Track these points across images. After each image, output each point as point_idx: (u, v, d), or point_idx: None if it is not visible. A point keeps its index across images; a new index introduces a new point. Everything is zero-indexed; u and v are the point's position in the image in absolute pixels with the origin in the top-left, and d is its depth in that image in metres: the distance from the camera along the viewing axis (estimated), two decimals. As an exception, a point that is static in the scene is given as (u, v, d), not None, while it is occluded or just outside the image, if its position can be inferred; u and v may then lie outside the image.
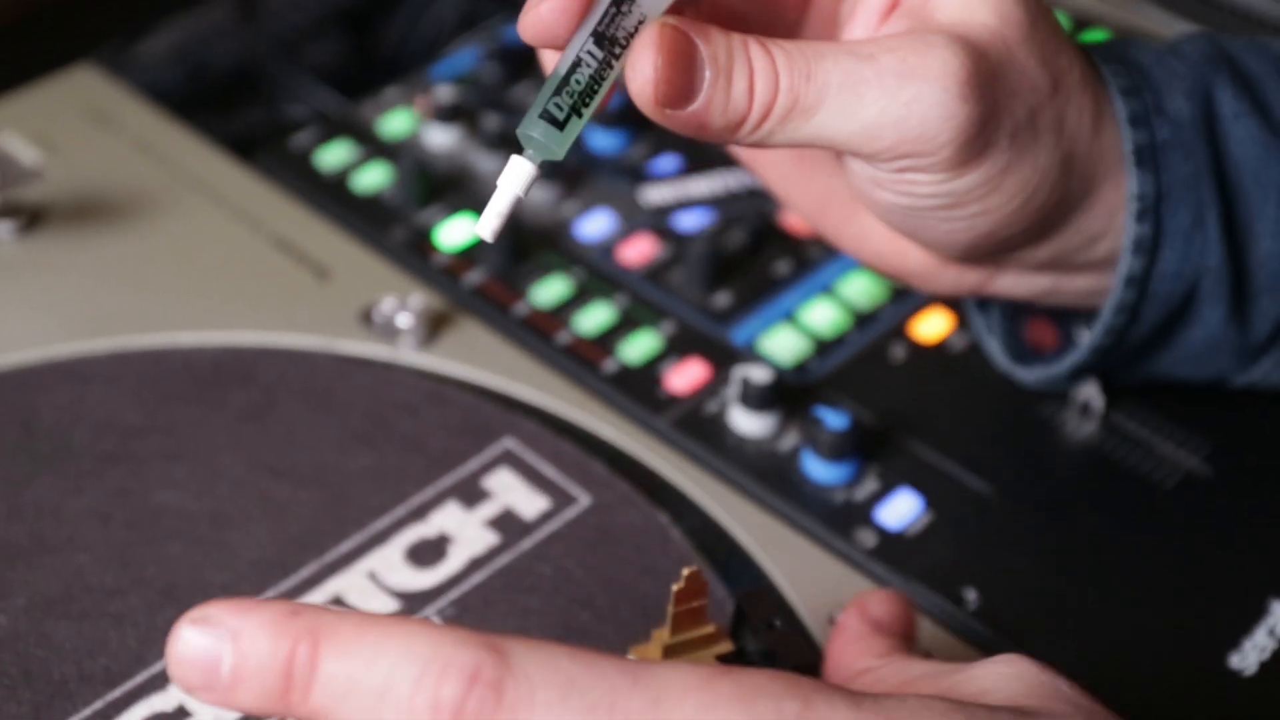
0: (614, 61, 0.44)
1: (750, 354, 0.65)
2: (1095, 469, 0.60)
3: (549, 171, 0.71)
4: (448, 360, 0.63)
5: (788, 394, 0.62)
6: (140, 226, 0.69)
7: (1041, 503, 0.59)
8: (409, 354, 0.63)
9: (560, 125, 0.43)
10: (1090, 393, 0.61)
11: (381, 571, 0.54)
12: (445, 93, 0.75)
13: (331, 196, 0.71)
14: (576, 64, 0.43)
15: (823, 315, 0.66)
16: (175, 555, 0.54)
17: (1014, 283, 0.56)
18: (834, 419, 0.59)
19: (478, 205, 0.71)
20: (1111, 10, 0.85)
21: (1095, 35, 0.82)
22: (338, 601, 0.53)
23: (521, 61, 0.79)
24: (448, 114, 0.74)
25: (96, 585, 0.53)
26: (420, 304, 0.64)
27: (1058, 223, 0.53)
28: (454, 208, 0.71)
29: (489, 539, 0.55)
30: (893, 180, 0.50)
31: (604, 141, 0.74)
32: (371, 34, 0.91)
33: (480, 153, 0.73)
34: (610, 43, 0.44)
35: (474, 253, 0.69)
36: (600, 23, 0.44)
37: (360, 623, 0.33)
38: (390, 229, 0.70)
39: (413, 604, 0.53)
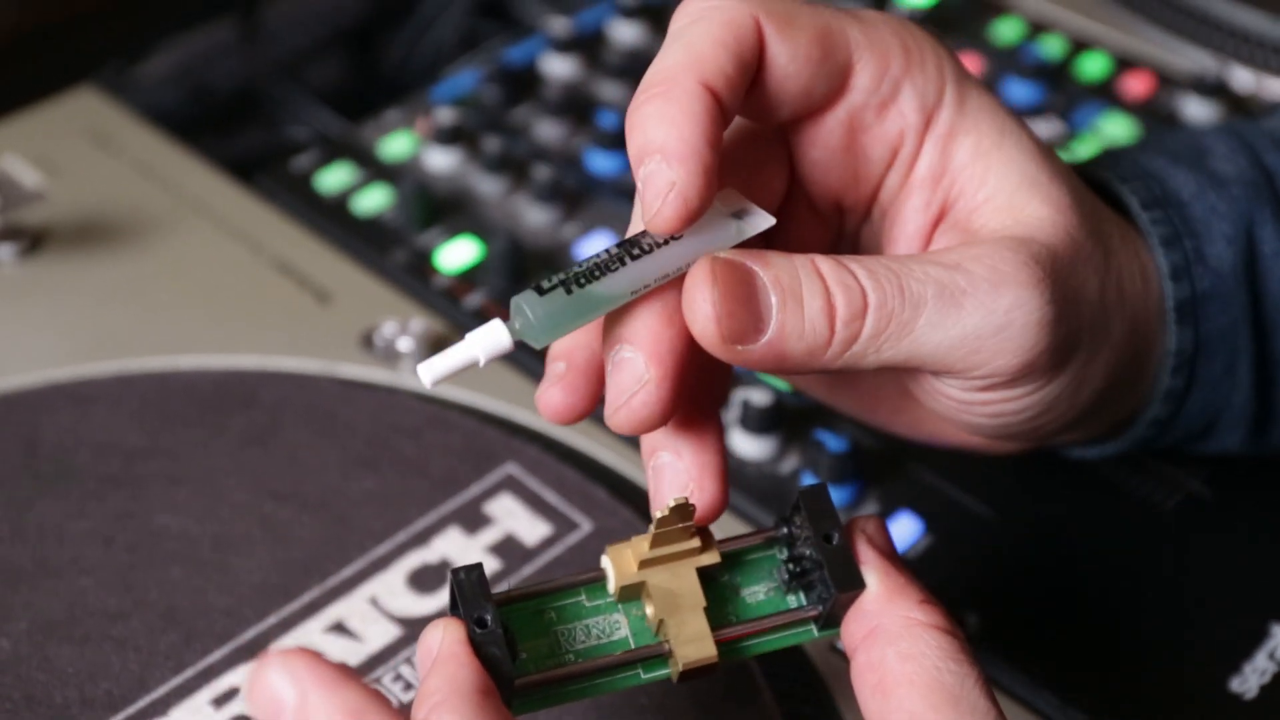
0: (627, 259, 0.41)
1: (750, 377, 0.65)
2: (1095, 491, 0.60)
3: (549, 194, 0.71)
4: (448, 384, 0.63)
5: (788, 417, 0.62)
6: (142, 249, 0.69)
7: (1041, 525, 0.59)
8: (410, 378, 0.63)
9: (541, 292, 0.40)
10: None
11: (383, 597, 0.54)
12: (446, 115, 0.75)
13: (332, 219, 0.71)
14: (594, 256, 0.41)
15: (823, 338, 0.66)
16: (177, 579, 0.54)
17: (1080, 437, 0.54)
18: (834, 442, 0.59)
19: (478, 228, 0.71)
20: (1109, 33, 0.85)
21: (1093, 59, 0.82)
22: (339, 627, 0.53)
23: (522, 83, 0.79)
24: (448, 136, 0.74)
25: (99, 608, 0.53)
26: (421, 327, 0.64)
27: (1130, 385, 0.51)
28: (455, 230, 0.71)
29: (491, 564, 0.55)
30: (984, 400, 0.46)
31: (604, 164, 0.74)
32: (372, 55, 0.92)
33: (481, 175, 0.73)
34: (630, 245, 0.42)
35: (475, 275, 0.69)
36: (640, 233, 0.42)
37: None
38: (391, 251, 0.70)
39: (414, 629, 0.53)
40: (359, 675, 0.37)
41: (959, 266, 0.43)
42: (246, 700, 0.37)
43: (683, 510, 0.41)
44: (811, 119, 0.46)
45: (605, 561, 0.42)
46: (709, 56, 0.42)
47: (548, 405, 0.45)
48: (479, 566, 0.40)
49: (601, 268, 0.41)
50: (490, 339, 0.41)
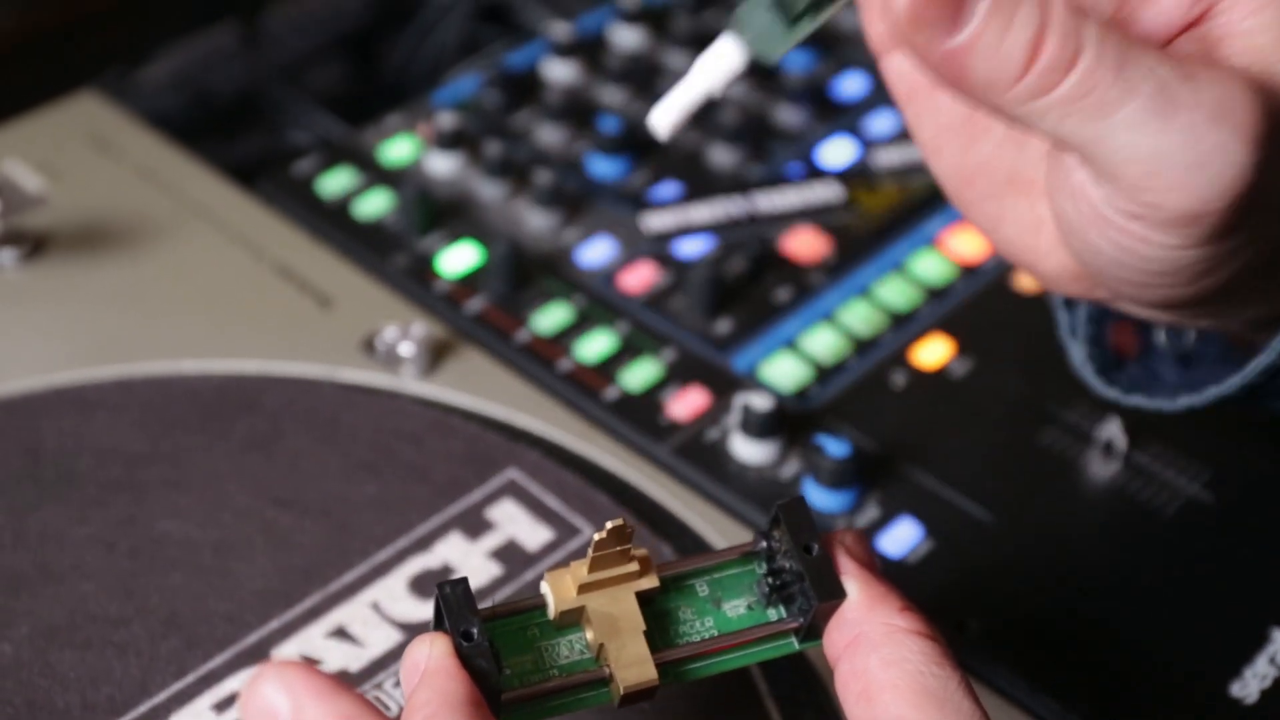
0: None
1: (751, 381, 0.65)
2: (1095, 496, 0.60)
3: (550, 199, 0.71)
4: (450, 388, 0.63)
5: (789, 421, 0.62)
6: (143, 253, 0.69)
7: (1042, 530, 0.59)
8: (411, 382, 0.63)
9: (786, 13, 0.37)
10: (1113, 431, 0.61)
11: (385, 602, 0.54)
12: (447, 119, 0.75)
13: (333, 223, 0.71)
14: None
15: (823, 342, 0.66)
16: (179, 584, 0.54)
17: (1140, 311, 0.48)
18: (835, 447, 0.59)
19: (480, 232, 0.71)
20: None
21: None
22: (341, 632, 0.53)
23: (523, 88, 0.79)
24: (450, 141, 0.74)
25: (100, 614, 0.53)
26: (422, 332, 0.64)
27: (1228, 296, 0.45)
28: (456, 234, 0.71)
29: (492, 570, 0.55)
30: (1120, 227, 0.42)
31: (605, 168, 0.75)
32: (373, 60, 0.92)
33: (482, 179, 0.73)
34: None
35: (475, 280, 0.69)
36: None
37: None
38: (392, 256, 0.70)
39: (416, 635, 0.52)
40: (353, 686, 0.37)
41: (1193, 79, 0.40)
42: (242, 710, 0.37)
43: (619, 533, 0.41)
44: None
45: (544, 587, 0.41)
46: None
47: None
48: (464, 580, 0.40)
49: None
50: (722, 63, 0.38)
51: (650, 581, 0.42)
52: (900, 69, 0.49)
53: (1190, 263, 0.42)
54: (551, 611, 0.41)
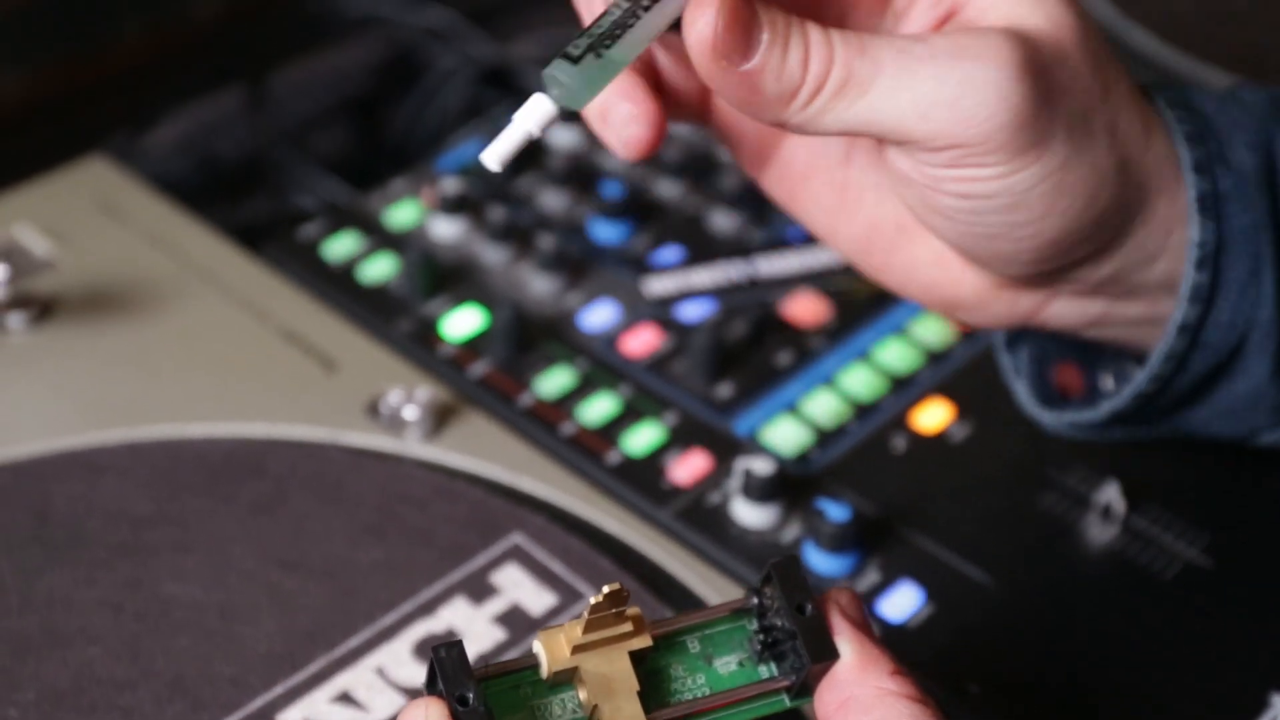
0: (640, 12, 0.44)
1: (752, 445, 0.65)
2: (1094, 559, 0.61)
3: (553, 263, 0.72)
4: (454, 452, 0.63)
5: (790, 485, 0.62)
6: (151, 317, 0.69)
7: (1041, 593, 0.59)
8: (416, 446, 0.63)
9: (574, 60, 0.43)
10: (1111, 495, 0.61)
11: (390, 667, 0.54)
12: (450, 184, 0.76)
13: (338, 287, 0.72)
14: (605, 13, 0.44)
15: (824, 406, 0.67)
16: (185, 647, 0.54)
17: (1067, 308, 0.54)
18: (835, 511, 0.60)
19: (483, 296, 0.71)
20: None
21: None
22: (345, 697, 0.53)
23: (525, 154, 0.80)
24: (453, 205, 0.75)
25: (106, 678, 0.53)
26: (426, 396, 0.64)
27: (1116, 235, 0.51)
28: (459, 299, 0.71)
29: (496, 635, 0.55)
30: (951, 177, 0.48)
31: (607, 232, 0.75)
32: (378, 124, 0.92)
33: (485, 244, 0.74)
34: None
35: (479, 344, 0.69)
36: None
37: None
38: (396, 320, 0.70)
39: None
40: None
41: (924, 39, 0.47)
42: None
43: (616, 596, 0.41)
44: None
45: (537, 646, 0.41)
46: None
47: (634, 142, 0.50)
48: (459, 643, 0.40)
49: (621, 25, 0.43)
50: (537, 111, 0.44)
51: (643, 641, 0.42)
52: (773, 179, 0.56)
53: (1027, 186, 0.48)
54: (545, 671, 0.41)
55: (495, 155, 0.44)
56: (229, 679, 0.53)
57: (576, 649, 0.41)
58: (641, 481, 0.63)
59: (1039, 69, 0.47)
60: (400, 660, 0.54)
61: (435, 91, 0.90)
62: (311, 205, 0.82)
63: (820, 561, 0.59)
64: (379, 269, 0.73)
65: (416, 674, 0.54)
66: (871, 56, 0.46)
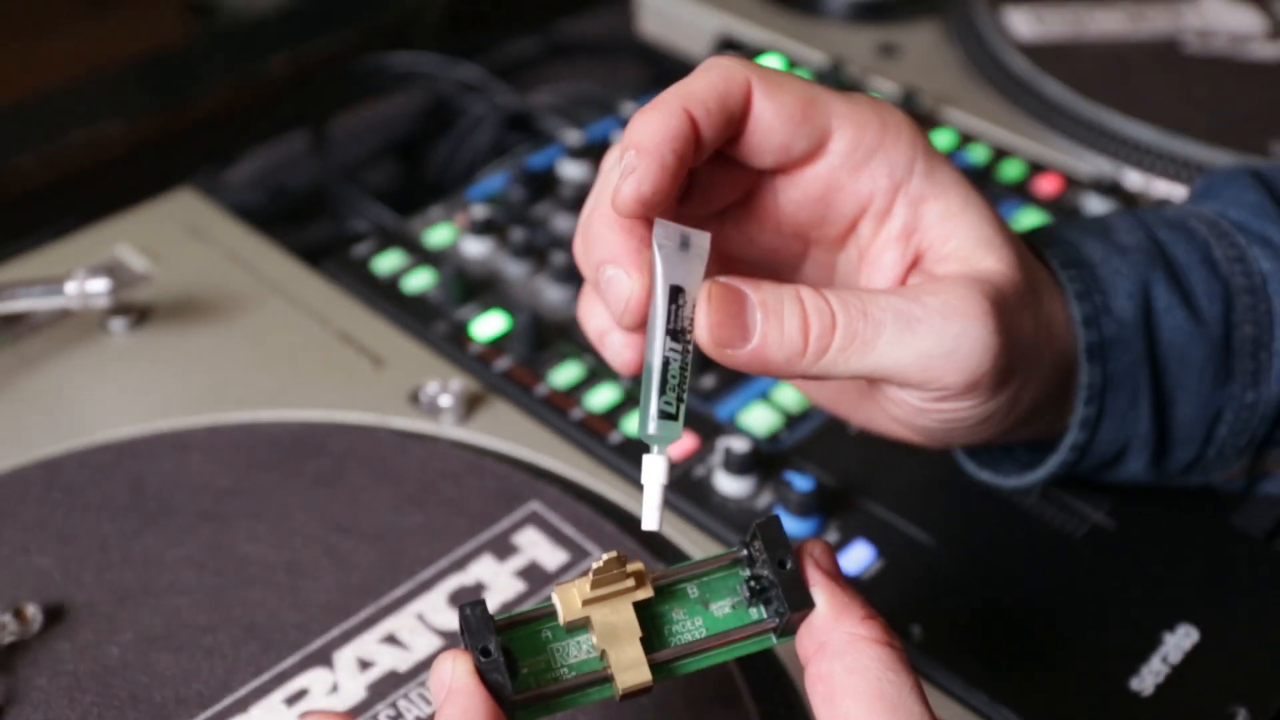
0: (689, 348, 0.43)
1: (732, 427, 0.64)
2: (1019, 522, 0.60)
3: (565, 276, 0.71)
4: (482, 434, 0.63)
5: (763, 461, 0.62)
6: (229, 322, 0.69)
7: (974, 552, 0.59)
8: (450, 429, 0.63)
9: (674, 418, 0.42)
10: None
11: (428, 613, 0.54)
12: (480, 210, 0.75)
13: (385, 296, 0.71)
14: (666, 363, 0.42)
15: (791, 395, 0.66)
16: (257, 598, 0.54)
17: (1017, 436, 0.54)
18: (801, 482, 0.59)
19: (507, 304, 0.70)
20: (1024, 142, 0.85)
21: (1011, 164, 0.82)
22: (391, 638, 0.52)
23: (543, 184, 0.79)
24: (482, 228, 0.74)
25: (192, 623, 0.53)
26: (459, 387, 0.63)
27: (1053, 406, 0.52)
28: (487, 305, 0.70)
29: (517, 586, 0.55)
30: (936, 409, 0.48)
31: (610, 251, 0.74)
32: (419, 162, 0.92)
33: (508, 259, 0.73)
34: (682, 334, 0.43)
35: (503, 343, 0.68)
36: (668, 322, 0.43)
37: None
38: (434, 323, 0.69)
39: (454, 641, 0.52)
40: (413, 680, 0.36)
41: (918, 299, 0.45)
42: None
43: (616, 561, 0.40)
44: (792, 170, 0.48)
45: (554, 599, 0.41)
46: (697, 92, 0.45)
47: (627, 365, 0.49)
48: (482, 602, 0.39)
49: (685, 367, 0.43)
50: (659, 469, 0.43)
51: (645, 593, 0.41)
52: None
53: (995, 410, 0.48)
54: (560, 620, 0.40)
55: (653, 519, 0.43)
56: (294, 624, 0.53)
57: (587, 601, 0.40)
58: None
59: (1005, 315, 0.46)
60: (437, 608, 0.54)
61: (467, 134, 0.90)
62: (363, 228, 0.82)
63: (788, 524, 0.58)
64: (419, 281, 0.72)
65: (450, 619, 0.53)
66: (874, 319, 0.45)
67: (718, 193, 0.48)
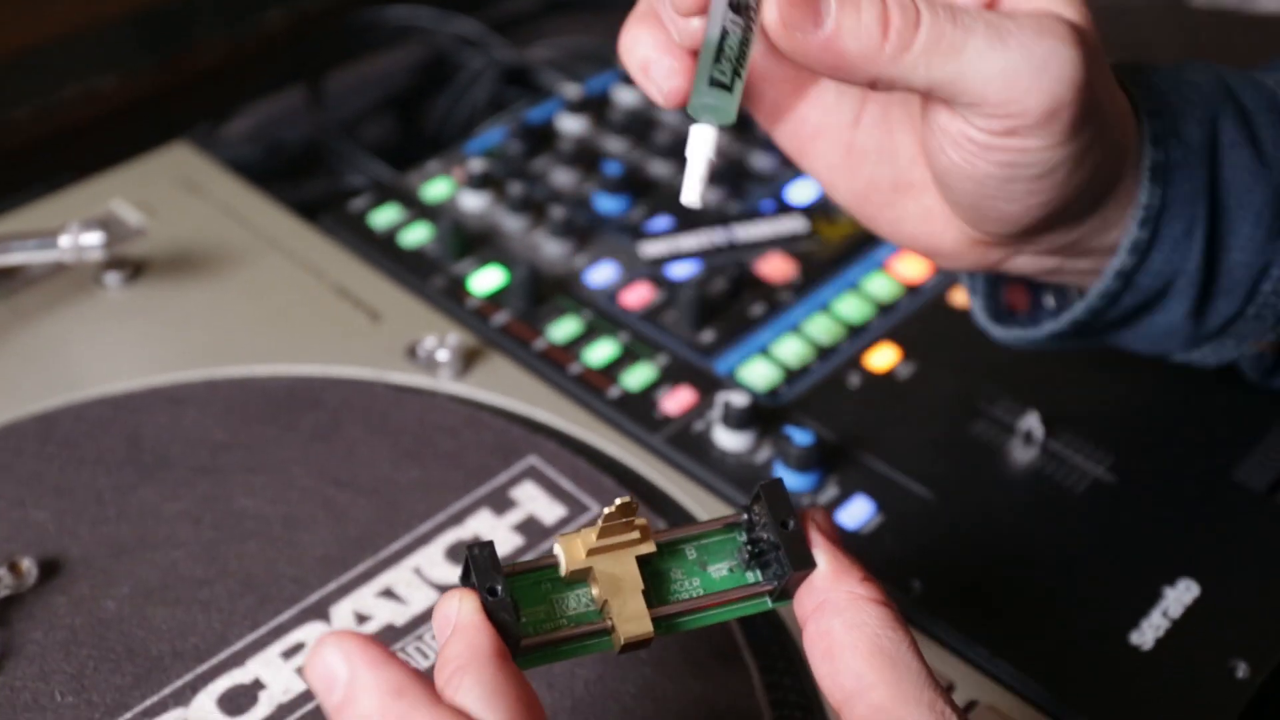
0: (752, 24, 0.41)
1: (730, 381, 0.64)
2: (1018, 476, 0.60)
3: (562, 230, 0.70)
4: (480, 389, 0.62)
5: (762, 415, 0.61)
6: (225, 276, 0.68)
7: (974, 506, 0.58)
8: (447, 383, 0.62)
9: (729, 88, 0.40)
10: (1032, 423, 0.60)
11: (425, 567, 0.53)
12: (477, 164, 0.74)
13: (382, 251, 0.71)
14: (725, 34, 0.41)
15: (791, 349, 0.66)
16: (254, 552, 0.53)
17: (1028, 262, 0.52)
18: (800, 436, 0.59)
19: (504, 258, 0.70)
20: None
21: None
22: (388, 592, 0.52)
23: (541, 139, 0.79)
24: (479, 182, 0.74)
25: (188, 576, 0.52)
26: (456, 341, 0.63)
27: (1093, 206, 0.49)
28: (484, 260, 0.70)
29: (515, 540, 0.55)
30: (1000, 146, 0.45)
31: (608, 204, 0.74)
32: (417, 116, 0.91)
33: (506, 214, 0.72)
34: (744, 8, 0.41)
35: (500, 298, 0.68)
36: None
37: None
38: (431, 278, 0.69)
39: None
40: (400, 657, 0.36)
41: (1010, 16, 0.44)
42: (306, 674, 0.36)
43: (626, 508, 0.40)
44: None
45: (557, 549, 0.40)
46: None
47: (674, 92, 0.45)
48: (490, 543, 0.39)
49: (745, 42, 0.41)
50: (706, 139, 0.41)
51: (648, 547, 0.41)
52: (786, 135, 0.52)
53: (1061, 160, 0.45)
54: (563, 570, 0.40)
55: (694, 192, 0.41)
56: (291, 578, 0.52)
57: (591, 552, 0.40)
58: (637, 412, 0.62)
59: (1095, 55, 0.45)
60: (434, 562, 0.53)
61: (464, 89, 0.89)
62: (360, 183, 0.81)
63: (787, 479, 0.58)
64: (416, 235, 0.72)
65: (448, 573, 0.53)
66: (964, 24, 0.43)
67: None
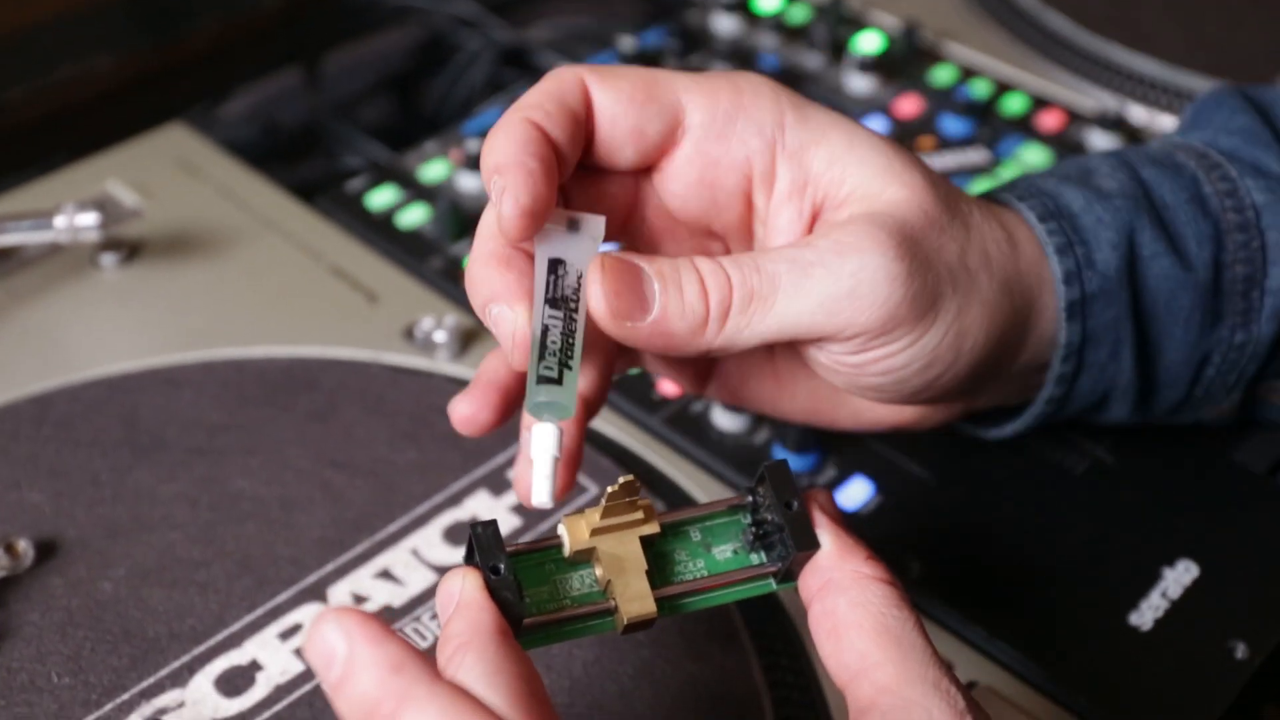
0: (574, 316, 0.42)
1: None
2: (1017, 457, 0.59)
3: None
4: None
5: (761, 397, 0.61)
6: (222, 258, 0.68)
7: (973, 487, 0.58)
8: (445, 365, 0.62)
9: (558, 382, 0.41)
10: None
11: (422, 549, 0.53)
12: (474, 145, 0.74)
13: (380, 232, 0.70)
14: (545, 330, 0.41)
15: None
16: (251, 533, 0.53)
17: (990, 399, 0.53)
18: (799, 417, 0.58)
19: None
20: (1028, 77, 0.84)
21: (1015, 98, 0.81)
22: (385, 574, 0.52)
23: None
24: (476, 163, 0.73)
25: (185, 558, 0.52)
26: (454, 322, 0.63)
27: (1021, 336, 0.49)
28: (483, 242, 0.70)
29: (513, 522, 0.54)
30: (869, 360, 0.45)
31: (607, 186, 0.73)
32: (414, 97, 0.91)
33: (504, 196, 0.72)
34: (563, 302, 0.42)
35: (499, 279, 0.68)
36: (546, 291, 0.42)
37: (443, 712, 0.34)
38: (428, 259, 0.69)
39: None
40: (400, 634, 0.36)
41: (809, 245, 0.43)
42: (305, 651, 0.36)
43: (629, 486, 0.40)
44: (660, 161, 0.46)
45: (561, 529, 0.40)
46: (532, 100, 0.44)
47: (460, 417, 0.47)
48: (494, 522, 0.39)
49: (568, 334, 0.41)
50: (548, 438, 0.41)
51: (652, 528, 0.41)
52: (716, 390, 0.53)
53: (936, 346, 0.45)
54: (566, 550, 0.40)
55: (545, 493, 0.41)
56: (288, 559, 0.52)
57: (595, 532, 0.40)
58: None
59: (912, 240, 0.44)
60: (431, 543, 0.53)
61: (462, 70, 0.88)
62: (357, 164, 0.81)
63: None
64: (414, 216, 0.71)
65: (445, 555, 0.53)
66: (767, 273, 0.43)
67: (602, 211, 0.46)
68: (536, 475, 0.41)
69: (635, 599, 0.39)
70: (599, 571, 0.40)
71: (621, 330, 0.42)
